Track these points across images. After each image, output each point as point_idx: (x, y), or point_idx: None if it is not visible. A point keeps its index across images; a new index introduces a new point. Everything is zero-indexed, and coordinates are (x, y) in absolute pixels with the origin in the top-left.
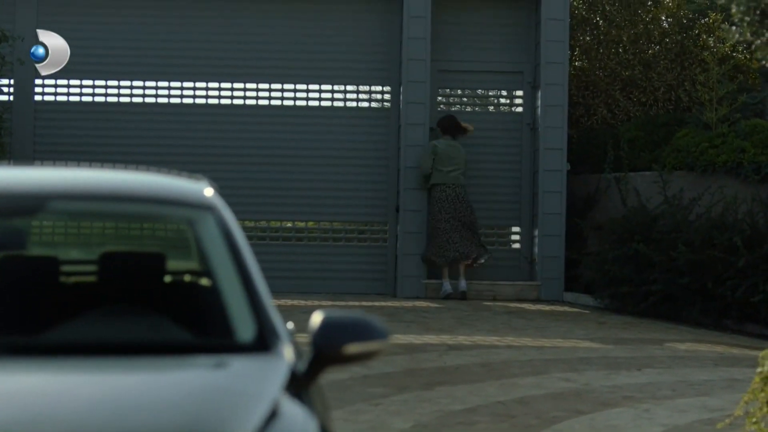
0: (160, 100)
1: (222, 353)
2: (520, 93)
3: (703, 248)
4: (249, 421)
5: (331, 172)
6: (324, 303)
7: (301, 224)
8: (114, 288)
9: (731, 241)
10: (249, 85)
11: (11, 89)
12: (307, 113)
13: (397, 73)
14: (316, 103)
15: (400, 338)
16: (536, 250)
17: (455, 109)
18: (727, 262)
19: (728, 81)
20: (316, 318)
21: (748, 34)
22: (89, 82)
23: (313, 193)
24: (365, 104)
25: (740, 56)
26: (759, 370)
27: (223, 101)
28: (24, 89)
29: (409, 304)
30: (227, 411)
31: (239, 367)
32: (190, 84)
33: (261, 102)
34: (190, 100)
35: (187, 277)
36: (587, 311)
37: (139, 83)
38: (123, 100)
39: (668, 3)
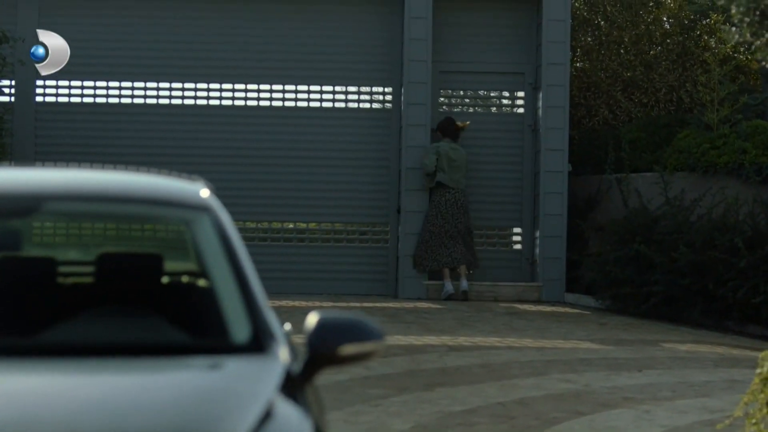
0: (162, 101)
1: (217, 354)
2: (521, 94)
3: (704, 249)
4: (243, 422)
5: (332, 174)
6: (325, 304)
7: (303, 225)
8: (111, 289)
9: (732, 242)
10: (250, 87)
11: (12, 90)
12: (308, 114)
13: (398, 74)
14: (317, 105)
15: (400, 339)
16: (537, 251)
17: (456, 110)
18: (729, 263)
19: (729, 82)
20: (312, 319)
21: (748, 35)
22: (90, 83)
23: (314, 195)
24: (366, 105)
25: (741, 57)
26: (758, 371)
27: (225, 102)
28: (25, 90)
29: (410, 305)
30: (221, 412)
31: (234, 368)
32: (192, 85)
33: (262, 103)
34: (191, 101)
35: (184, 278)
36: (588, 312)
37: (140, 84)
38: (124, 101)
39: (670, 4)
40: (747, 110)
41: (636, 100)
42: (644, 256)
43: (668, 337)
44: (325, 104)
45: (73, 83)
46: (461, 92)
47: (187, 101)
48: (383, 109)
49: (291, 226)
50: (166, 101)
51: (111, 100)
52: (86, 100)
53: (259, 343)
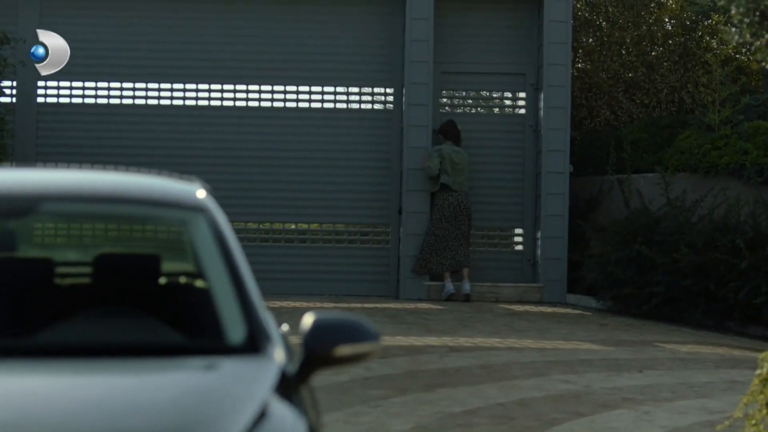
0: (163, 102)
1: (213, 355)
2: (522, 95)
3: (705, 250)
4: (237, 422)
5: (334, 174)
6: (326, 305)
7: (304, 226)
8: (108, 289)
9: (734, 243)
10: (252, 87)
11: (14, 91)
12: (309, 115)
13: (399, 75)
14: (318, 105)
15: (401, 340)
16: (539, 252)
17: (458, 111)
18: (730, 264)
19: (731, 83)
20: (307, 320)
21: (748, 36)
22: (91, 84)
23: (315, 195)
24: (368, 106)
25: (743, 58)
26: (758, 372)
27: (226, 103)
28: (26, 91)
29: (411, 305)
30: (216, 412)
31: (229, 368)
32: (193, 86)
33: (264, 104)
34: (192, 102)
35: (182, 279)
36: (589, 313)
37: (142, 85)
38: (125, 102)
39: (671, 5)
40: (748, 111)
41: (637, 101)
42: (645, 257)
43: (669, 337)
44: (326, 105)
45: (75, 84)
46: (463, 93)
47: (188, 102)
48: (384, 110)
49: (292, 227)
50: (167, 102)
51: (112, 101)
52: (87, 101)
53: (254, 343)
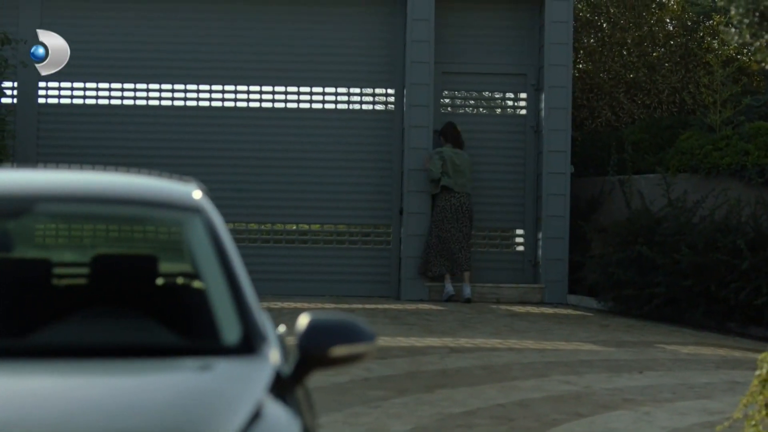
0: (164, 102)
1: (208, 355)
2: (523, 95)
3: (706, 251)
4: (231, 423)
5: (335, 175)
6: (327, 306)
7: (305, 227)
8: (105, 290)
9: (735, 243)
10: (252, 88)
11: (14, 92)
12: (310, 116)
13: (400, 75)
14: (319, 106)
15: (402, 341)
16: (540, 252)
17: (459, 111)
18: (731, 265)
19: (732, 83)
20: (303, 320)
21: (747, 36)
22: (92, 85)
23: (316, 196)
24: (368, 107)
25: (744, 59)
26: (758, 372)
27: (227, 104)
28: (27, 92)
29: (412, 306)
30: (211, 412)
31: (224, 369)
32: (194, 87)
33: (264, 105)
34: (194, 103)
35: (179, 280)
36: (591, 314)
37: (143, 86)
38: (126, 102)
39: (672, 5)
40: (750, 112)
41: (639, 102)
42: (647, 258)
43: (670, 338)
44: (327, 106)
45: (76, 85)
46: (464, 93)
47: (189, 103)
48: (385, 111)
49: (293, 227)
50: (168, 103)
51: (113, 102)
52: (88, 101)
53: (249, 344)
